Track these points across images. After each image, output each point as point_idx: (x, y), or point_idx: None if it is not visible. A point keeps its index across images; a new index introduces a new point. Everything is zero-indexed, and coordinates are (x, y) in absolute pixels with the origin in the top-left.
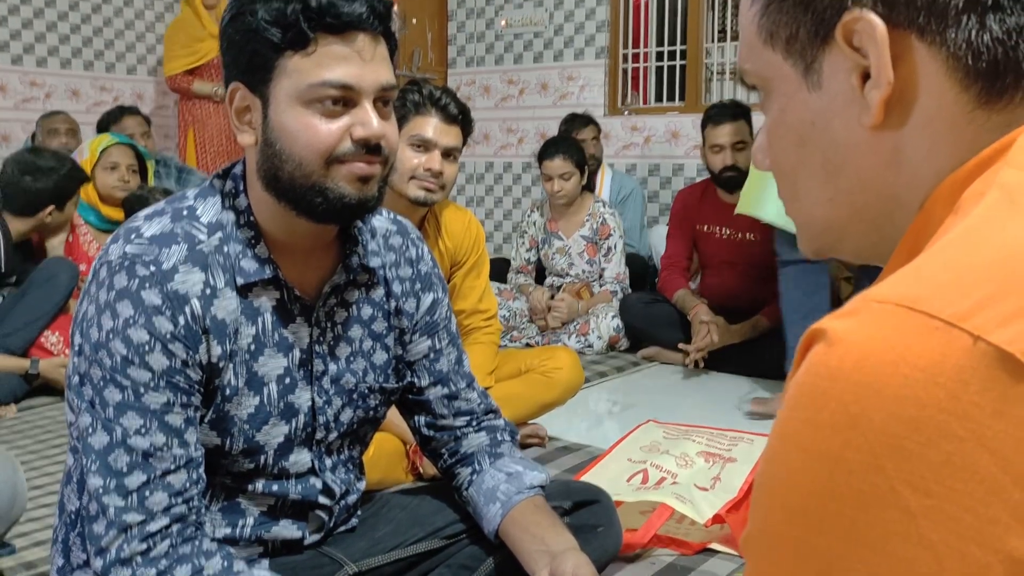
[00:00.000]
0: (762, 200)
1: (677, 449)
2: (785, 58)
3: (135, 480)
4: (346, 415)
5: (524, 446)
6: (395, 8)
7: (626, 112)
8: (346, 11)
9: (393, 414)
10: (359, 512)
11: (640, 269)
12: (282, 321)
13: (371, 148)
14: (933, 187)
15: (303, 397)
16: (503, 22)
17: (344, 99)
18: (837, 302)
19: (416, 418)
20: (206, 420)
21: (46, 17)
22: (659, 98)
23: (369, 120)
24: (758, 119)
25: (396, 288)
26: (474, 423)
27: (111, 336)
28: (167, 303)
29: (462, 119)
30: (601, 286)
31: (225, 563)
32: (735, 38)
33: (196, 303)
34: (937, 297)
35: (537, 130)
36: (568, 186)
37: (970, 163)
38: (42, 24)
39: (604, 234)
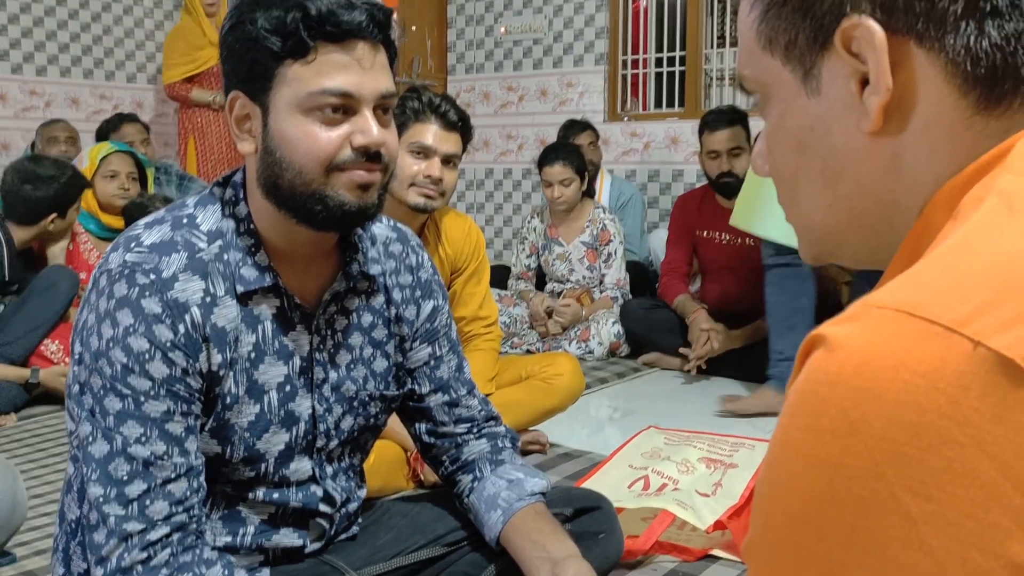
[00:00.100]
0: (763, 216)
1: (678, 455)
2: (784, 64)
3: (135, 489)
4: (347, 423)
5: (525, 453)
6: (395, 16)
7: (625, 118)
8: (346, 20)
9: (394, 421)
10: (360, 520)
11: (640, 275)
12: (282, 329)
13: (371, 156)
14: (932, 193)
15: (303, 405)
16: (502, 29)
17: (344, 107)
18: (839, 306)
19: (417, 425)
20: (206, 428)
21: (46, 26)
22: (658, 104)
23: (369, 128)
24: (756, 124)
25: (396, 295)
26: (475, 430)
27: (111, 345)
28: (167, 311)
29: (462, 126)
30: (601, 292)
31: (226, 572)
32: (734, 44)
33: (196, 311)
34: (937, 302)
35: (537, 136)
36: (568, 192)
37: (969, 169)
38: (42, 33)
39: (604, 240)
